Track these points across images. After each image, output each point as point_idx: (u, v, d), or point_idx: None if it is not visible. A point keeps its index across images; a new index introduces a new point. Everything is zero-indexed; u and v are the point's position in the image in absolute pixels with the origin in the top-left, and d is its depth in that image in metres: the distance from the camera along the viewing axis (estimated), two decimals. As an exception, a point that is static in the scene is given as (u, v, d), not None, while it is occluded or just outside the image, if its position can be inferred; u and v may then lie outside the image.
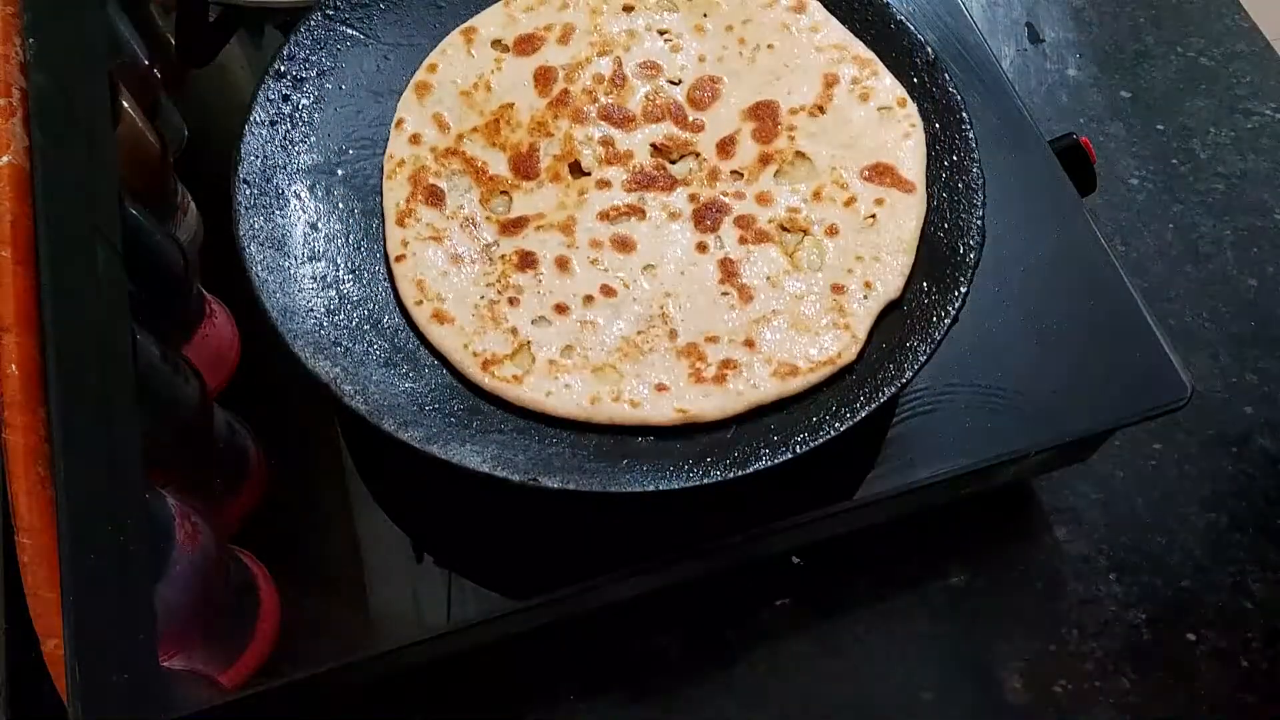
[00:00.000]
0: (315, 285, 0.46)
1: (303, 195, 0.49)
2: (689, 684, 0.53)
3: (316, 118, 0.51)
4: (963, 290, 0.46)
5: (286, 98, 0.51)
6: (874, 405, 0.44)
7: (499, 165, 0.51)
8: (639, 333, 0.47)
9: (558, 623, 0.50)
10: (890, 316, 0.48)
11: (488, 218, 0.50)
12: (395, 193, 0.50)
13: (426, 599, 0.47)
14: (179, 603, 0.42)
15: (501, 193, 0.51)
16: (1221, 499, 0.59)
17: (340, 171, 0.50)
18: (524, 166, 0.51)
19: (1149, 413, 0.50)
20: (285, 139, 0.50)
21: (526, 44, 0.54)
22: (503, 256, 0.49)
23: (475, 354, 0.46)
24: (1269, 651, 0.55)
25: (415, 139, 0.51)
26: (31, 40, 0.45)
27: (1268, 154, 0.71)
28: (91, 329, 0.41)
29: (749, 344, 0.46)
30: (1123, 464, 0.60)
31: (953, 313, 0.46)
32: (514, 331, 0.47)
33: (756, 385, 0.45)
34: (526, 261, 0.48)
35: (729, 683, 0.53)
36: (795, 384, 0.45)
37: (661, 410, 0.45)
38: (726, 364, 0.46)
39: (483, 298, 0.47)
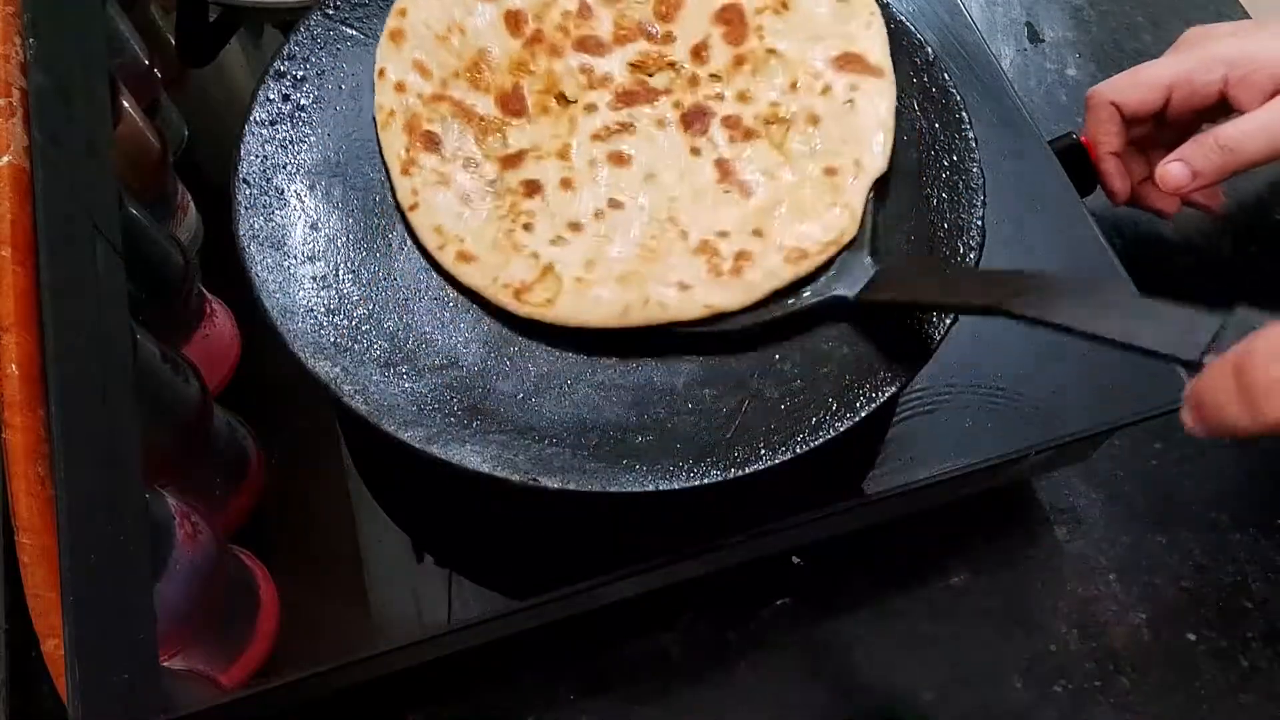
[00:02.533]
0: (315, 285, 0.46)
1: (303, 195, 0.49)
2: (689, 684, 0.53)
3: (316, 118, 0.51)
4: (963, 290, 0.46)
5: (286, 98, 0.51)
6: (874, 405, 0.44)
7: (487, 106, 0.52)
8: (653, 238, 0.48)
9: (558, 623, 0.50)
10: (890, 313, 0.48)
11: (486, 156, 0.51)
12: (394, 143, 0.50)
13: (426, 599, 0.47)
14: (179, 603, 0.42)
15: (495, 131, 0.52)
16: (1221, 499, 0.59)
17: (340, 171, 0.50)
18: (511, 104, 0.52)
19: (1149, 413, 0.50)
20: (285, 139, 0.50)
21: None
22: (509, 189, 0.50)
23: (505, 285, 0.46)
24: (1269, 651, 0.55)
25: (400, 87, 0.51)
26: (31, 40, 0.45)
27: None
28: (91, 329, 0.41)
29: (758, 233, 0.48)
30: (1123, 464, 0.60)
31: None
32: (535, 256, 0.47)
33: (773, 272, 0.47)
34: (532, 189, 0.50)
35: (729, 683, 0.53)
36: (805, 266, 0.47)
37: (688, 308, 0.46)
38: (741, 255, 0.47)
39: (499, 230, 0.48)
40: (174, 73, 0.66)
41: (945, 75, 0.52)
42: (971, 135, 0.50)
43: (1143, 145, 0.65)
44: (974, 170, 0.50)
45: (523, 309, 0.46)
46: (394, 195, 0.49)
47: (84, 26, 0.49)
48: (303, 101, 0.51)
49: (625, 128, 0.52)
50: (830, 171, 0.49)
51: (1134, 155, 0.65)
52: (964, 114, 0.51)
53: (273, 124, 0.50)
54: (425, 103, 0.51)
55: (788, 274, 0.47)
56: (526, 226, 0.48)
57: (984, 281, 0.45)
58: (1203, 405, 0.33)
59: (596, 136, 0.51)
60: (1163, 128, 0.64)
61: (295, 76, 0.51)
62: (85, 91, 0.47)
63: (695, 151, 0.51)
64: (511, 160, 0.51)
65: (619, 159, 0.51)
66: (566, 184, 0.50)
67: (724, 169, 0.50)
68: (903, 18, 0.54)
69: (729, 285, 0.46)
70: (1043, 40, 0.79)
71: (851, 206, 0.48)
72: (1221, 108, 0.61)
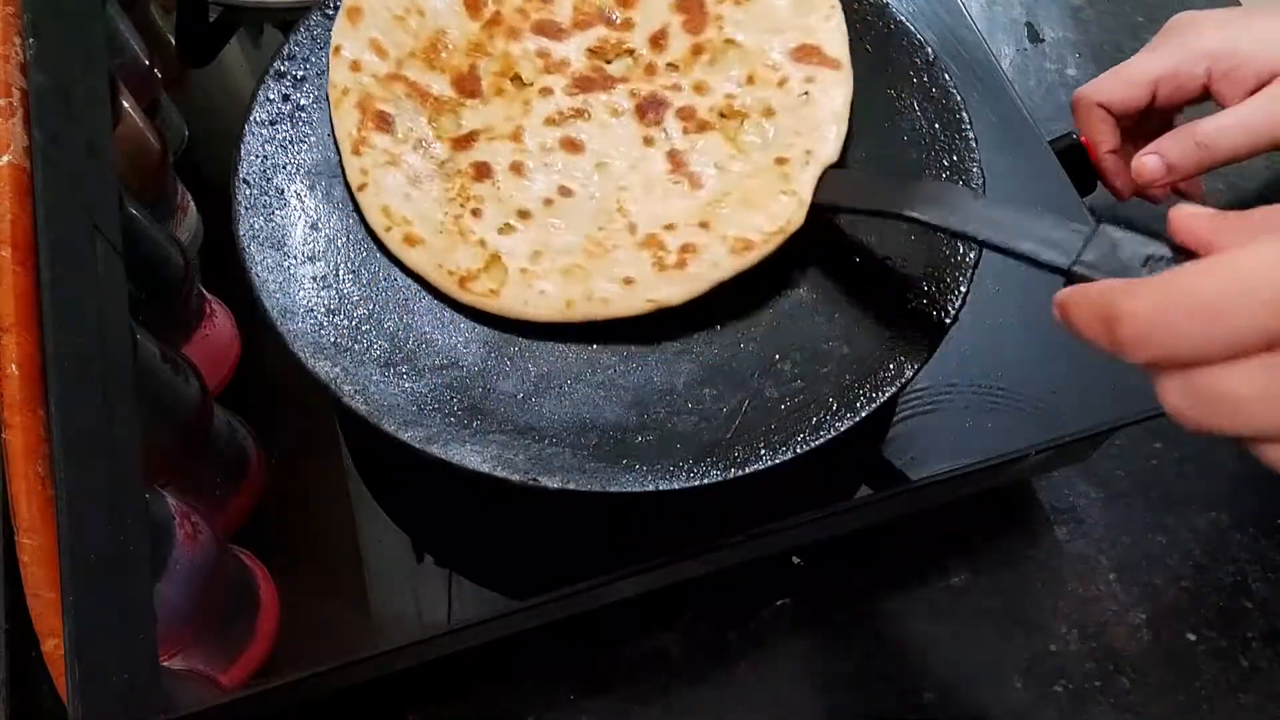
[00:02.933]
0: (315, 285, 0.46)
1: (303, 195, 0.49)
2: (689, 684, 0.53)
3: (316, 118, 0.51)
4: (963, 290, 0.46)
5: (286, 98, 0.51)
6: (874, 405, 0.44)
7: (442, 86, 0.52)
8: (600, 229, 0.48)
9: (558, 623, 0.50)
10: (890, 312, 0.48)
11: (439, 136, 0.51)
12: (346, 122, 0.50)
13: (426, 599, 0.47)
14: (179, 603, 0.42)
15: (449, 111, 0.52)
16: (1221, 499, 0.59)
17: (340, 171, 0.50)
18: (466, 85, 0.52)
19: (1149, 413, 0.50)
20: (285, 139, 0.50)
21: None
22: (459, 171, 0.50)
23: (450, 272, 0.46)
24: (1269, 651, 0.55)
25: (356, 66, 0.51)
26: (31, 40, 0.45)
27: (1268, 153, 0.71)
28: (91, 329, 0.41)
29: (704, 225, 0.48)
30: (1123, 464, 0.60)
31: (953, 313, 0.46)
32: (482, 244, 0.47)
33: (717, 264, 0.47)
34: (482, 172, 0.49)
35: (729, 683, 0.53)
36: (751, 257, 0.47)
37: (632, 303, 0.46)
38: (686, 249, 0.47)
39: (446, 214, 0.48)
40: (174, 73, 0.66)
41: (945, 75, 0.52)
42: (971, 135, 0.50)
43: (1129, 136, 0.65)
44: (974, 170, 0.50)
45: (466, 297, 0.46)
46: (344, 176, 0.49)
47: (84, 26, 0.49)
48: (303, 101, 0.51)
49: (579, 114, 0.52)
50: (781, 161, 0.49)
51: (1124, 147, 0.65)
52: (964, 114, 0.51)
53: (273, 124, 0.50)
54: (380, 82, 0.51)
55: (732, 265, 0.47)
56: (475, 212, 0.48)
57: (894, 188, 0.46)
58: (1070, 323, 0.34)
59: (550, 121, 0.51)
60: (1148, 118, 0.64)
61: (295, 76, 0.51)
62: (85, 91, 0.47)
63: (648, 141, 0.51)
64: (463, 141, 0.51)
65: (571, 145, 0.51)
66: (517, 168, 0.50)
67: (676, 160, 0.50)
68: (903, 18, 0.54)
69: (673, 279, 0.46)
70: (1043, 40, 0.79)
71: (800, 194, 0.48)
72: (1206, 100, 0.61)
